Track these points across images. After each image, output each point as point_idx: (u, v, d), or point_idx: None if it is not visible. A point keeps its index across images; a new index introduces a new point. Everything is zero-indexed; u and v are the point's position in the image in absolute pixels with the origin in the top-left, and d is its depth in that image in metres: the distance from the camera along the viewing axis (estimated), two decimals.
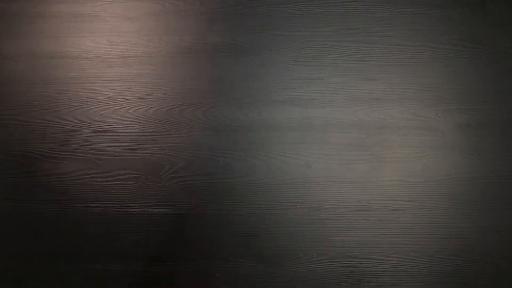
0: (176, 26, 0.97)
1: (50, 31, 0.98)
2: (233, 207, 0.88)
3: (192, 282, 0.87)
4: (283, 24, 0.95)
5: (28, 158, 0.93)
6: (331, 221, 0.88)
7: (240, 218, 0.88)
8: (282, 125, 0.92)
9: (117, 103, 0.94)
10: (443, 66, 0.93)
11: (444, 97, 0.91)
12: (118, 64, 0.96)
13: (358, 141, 0.91)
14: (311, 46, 0.94)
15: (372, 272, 0.86)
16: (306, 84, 0.93)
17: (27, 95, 0.95)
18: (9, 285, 0.90)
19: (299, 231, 0.88)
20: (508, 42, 0.93)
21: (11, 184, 0.92)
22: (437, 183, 0.89)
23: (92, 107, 0.94)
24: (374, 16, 0.95)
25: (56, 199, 0.91)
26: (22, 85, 0.96)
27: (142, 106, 0.94)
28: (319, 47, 0.94)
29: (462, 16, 0.94)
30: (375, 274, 0.86)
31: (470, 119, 0.90)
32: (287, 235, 0.88)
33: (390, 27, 0.94)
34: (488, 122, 0.90)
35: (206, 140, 0.92)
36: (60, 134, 0.93)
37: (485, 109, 0.91)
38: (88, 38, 0.97)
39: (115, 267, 0.89)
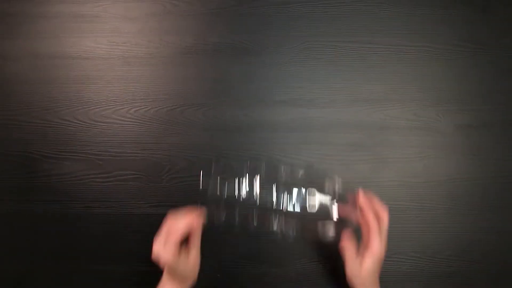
0: (177, 26, 0.97)
1: (51, 32, 0.98)
2: (234, 207, 0.88)
3: None
4: (284, 25, 0.95)
5: (29, 158, 0.93)
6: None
7: (241, 218, 0.88)
8: (283, 126, 0.91)
9: (118, 103, 0.94)
10: (444, 67, 0.93)
11: (444, 98, 0.91)
12: (119, 64, 0.96)
13: (359, 142, 0.90)
14: (312, 47, 0.94)
15: None
16: (307, 84, 0.93)
17: (27, 96, 0.95)
18: (9, 285, 0.90)
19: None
20: (510, 42, 0.93)
21: (11, 185, 0.92)
22: (437, 183, 0.88)
23: (92, 107, 0.94)
24: (375, 16, 0.95)
25: (56, 200, 0.91)
26: (23, 85, 0.96)
27: (143, 107, 0.94)
28: (320, 48, 0.94)
29: (463, 16, 0.94)
30: None
31: (471, 119, 0.90)
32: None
33: (391, 27, 0.94)
34: (489, 122, 0.90)
35: (207, 141, 0.92)
36: (61, 135, 0.93)
37: (486, 110, 0.91)
38: (89, 39, 0.97)
39: (115, 267, 0.89)
